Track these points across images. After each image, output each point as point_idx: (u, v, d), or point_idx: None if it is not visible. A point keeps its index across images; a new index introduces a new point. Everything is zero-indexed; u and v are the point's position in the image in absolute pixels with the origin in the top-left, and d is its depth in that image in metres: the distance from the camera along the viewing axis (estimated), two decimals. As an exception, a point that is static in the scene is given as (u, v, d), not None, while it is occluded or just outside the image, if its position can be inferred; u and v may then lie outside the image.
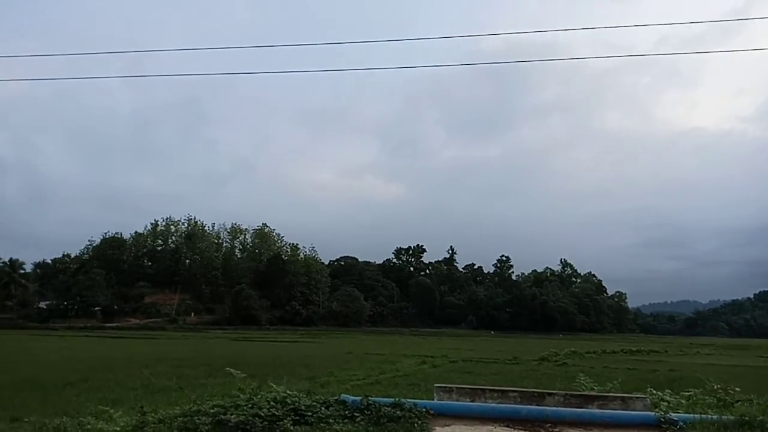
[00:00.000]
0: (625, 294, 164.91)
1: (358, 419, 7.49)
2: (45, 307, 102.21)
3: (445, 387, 9.47)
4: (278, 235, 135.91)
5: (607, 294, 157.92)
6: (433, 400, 9.05)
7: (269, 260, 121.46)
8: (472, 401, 8.89)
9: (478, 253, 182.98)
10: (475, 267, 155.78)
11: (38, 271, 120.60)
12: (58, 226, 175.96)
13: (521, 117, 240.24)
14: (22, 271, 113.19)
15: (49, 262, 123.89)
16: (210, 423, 6.98)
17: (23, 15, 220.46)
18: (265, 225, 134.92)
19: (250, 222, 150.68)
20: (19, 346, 35.49)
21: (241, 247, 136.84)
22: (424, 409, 7.99)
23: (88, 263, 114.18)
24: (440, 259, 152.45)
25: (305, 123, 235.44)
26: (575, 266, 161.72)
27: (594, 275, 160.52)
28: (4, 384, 15.14)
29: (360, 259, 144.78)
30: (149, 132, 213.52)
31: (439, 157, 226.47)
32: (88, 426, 7.27)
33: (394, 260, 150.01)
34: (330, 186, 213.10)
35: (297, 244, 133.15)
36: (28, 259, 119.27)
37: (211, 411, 7.28)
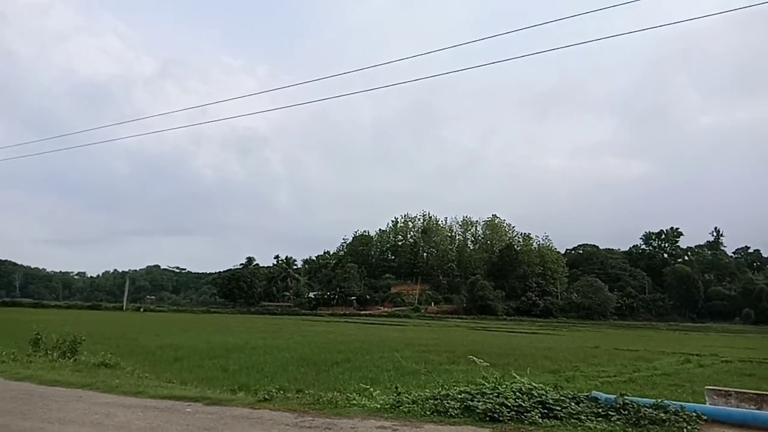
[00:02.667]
0: None
1: (614, 418, 6.87)
2: (313, 296, 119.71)
3: (721, 390, 8.07)
4: (509, 225, 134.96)
5: None
6: (704, 404, 7.81)
7: (501, 251, 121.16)
8: (758, 409, 7.40)
9: (753, 235, 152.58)
10: (750, 251, 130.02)
11: (306, 266, 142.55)
12: (319, 227, 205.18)
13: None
14: (295, 267, 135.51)
15: (314, 258, 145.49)
16: (458, 408, 7.18)
17: (285, 53, 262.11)
18: (495, 216, 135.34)
19: (480, 214, 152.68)
20: (296, 330, 42.13)
21: (472, 238, 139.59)
22: (693, 414, 6.94)
23: (344, 258, 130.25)
24: (701, 243, 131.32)
25: (532, 108, 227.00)
26: None
27: None
28: (289, 361, 18.12)
29: (601, 247, 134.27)
30: (387, 138, 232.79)
31: (694, 126, 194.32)
32: (354, 401, 8.15)
33: (643, 246, 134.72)
34: (562, 170, 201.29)
35: (529, 234, 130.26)
36: (299, 257, 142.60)
37: (459, 396, 7.49)
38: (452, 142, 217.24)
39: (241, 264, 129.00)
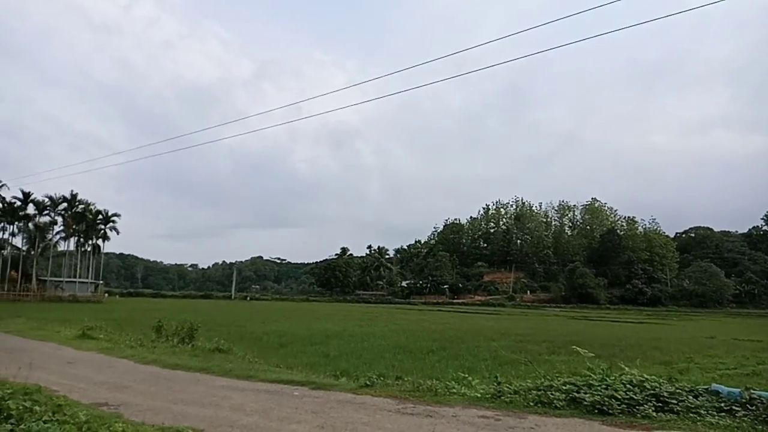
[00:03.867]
0: None
1: (739, 414, 6.33)
2: (406, 285, 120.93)
3: None
4: (610, 208, 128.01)
5: None
6: None
7: (602, 236, 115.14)
8: None
9: None
10: None
11: (398, 255, 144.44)
12: (410, 217, 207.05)
13: None
14: (387, 256, 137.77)
15: (406, 247, 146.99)
16: (564, 399, 6.95)
17: (373, 45, 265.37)
18: (594, 199, 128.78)
19: (578, 198, 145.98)
20: (390, 318, 42.79)
21: (570, 224, 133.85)
22: (840, 414, 6.21)
23: (435, 247, 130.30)
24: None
25: (634, 83, 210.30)
26: None
27: None
28: (386, 348, 18.50)
29: (716, 229, 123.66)
30: (476, 123, 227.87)
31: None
32: (453, 389, 8.16)
33: (765, 227, 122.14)
34: (669, 149, 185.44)
35: (633, 217, 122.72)
36: (390, 246, 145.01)
37: (564, 387, 7.25)
38: (546, 124, 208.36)
39: (336, 254, 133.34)
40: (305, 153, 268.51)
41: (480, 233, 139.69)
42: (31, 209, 73.84)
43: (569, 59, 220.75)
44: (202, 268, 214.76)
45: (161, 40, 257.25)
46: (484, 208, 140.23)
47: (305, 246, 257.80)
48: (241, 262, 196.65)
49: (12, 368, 8.33)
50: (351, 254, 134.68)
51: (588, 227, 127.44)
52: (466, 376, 9.33)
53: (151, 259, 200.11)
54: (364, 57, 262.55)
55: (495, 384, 8.03)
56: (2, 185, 71.14)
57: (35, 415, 5.13)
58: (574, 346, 10.27)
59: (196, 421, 6.31)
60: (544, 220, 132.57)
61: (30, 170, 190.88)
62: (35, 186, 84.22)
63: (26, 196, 72.00)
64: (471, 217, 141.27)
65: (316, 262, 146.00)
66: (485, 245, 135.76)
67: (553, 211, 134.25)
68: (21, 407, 5.24)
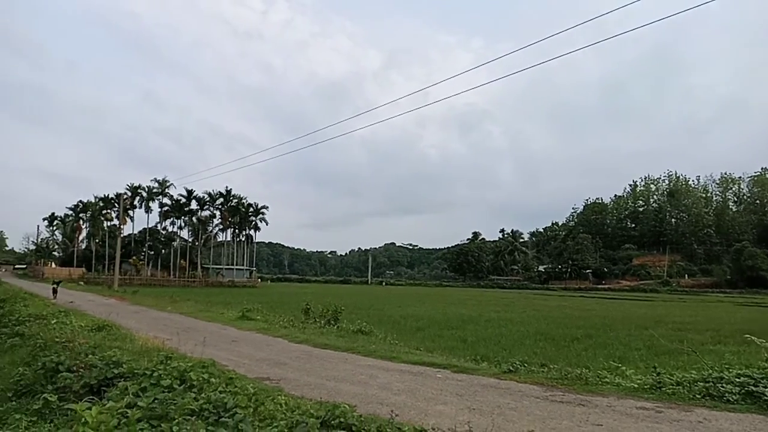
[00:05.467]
0: None
1: None
2: (543, 270, 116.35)
3: None
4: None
5: None
6: None
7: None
8: None
9: None
10: None
11: (534, 239, 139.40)
12: (545, 198, 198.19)
13: None
14: (521, 240, 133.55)
15: (542, 230, 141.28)
16: (738, 393, 6.21)
17: (499, 20, 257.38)
18: (765, 170, 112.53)
19: (744, 169, 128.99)
20: (528, 304, 41.55)
21: (735, 198, 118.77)
22: None
23: (575, 229, 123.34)
24: None
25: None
26: None
27: None
28: (525, 335, 18.01)
29: None
30: (619, 93, 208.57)
31: None
32: (606, 379, 7.68)
33: None
34: None
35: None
36: (525, 230, 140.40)
37: (737, 380, 6.47)
38: (702, 88, 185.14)
39: (467, 239, 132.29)
40: (434, 139, 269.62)
41: (627, 213, 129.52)
42: (193, 205, 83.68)
43: (727, 12, 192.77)
44: (341, 255, 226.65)
45: (296, 41, 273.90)
46: (630, 185, 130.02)
47: (437, 231, 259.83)
48: (376, 248, 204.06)
49: (189, 345, 9.52)
50: (483, 239, 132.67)
51: (757, 201, 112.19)
52: (619, 365, 8.76)
53: (296, 247, 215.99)
54: (490, 33, 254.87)
55: (653, 374, 7.40)
56: (170, 185, 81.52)
57: (212, 386, 5.79)
58: (747, 335, 9.15)
59: (348, 397, 6.68)
60: (704, 195, 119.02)
61: (191, 170, 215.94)
62: (196, 184, 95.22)
63: (189, 193, 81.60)
64: (615, 196, 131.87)
65: (448, 248, 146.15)
66: (633, 225, 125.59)
67: (713, 185, 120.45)
68: (200, 378, 5.96)
